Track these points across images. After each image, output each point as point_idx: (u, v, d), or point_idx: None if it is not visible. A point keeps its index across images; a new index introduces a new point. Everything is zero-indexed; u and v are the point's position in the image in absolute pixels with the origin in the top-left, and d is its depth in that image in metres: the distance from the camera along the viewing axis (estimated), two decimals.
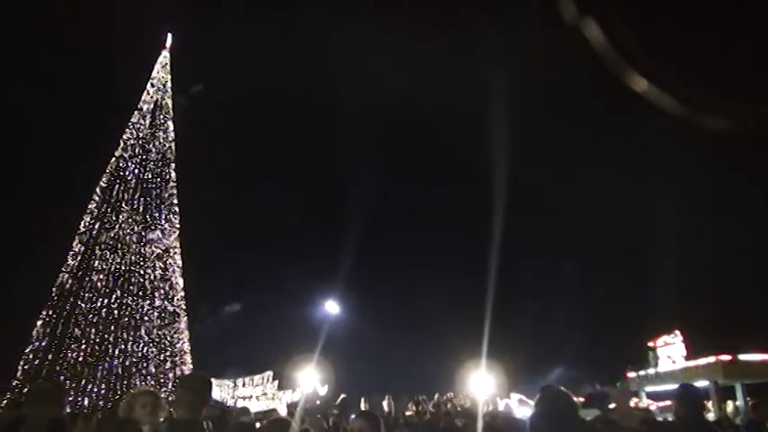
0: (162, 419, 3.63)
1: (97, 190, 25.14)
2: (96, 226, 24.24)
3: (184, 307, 25.29)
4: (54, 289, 23.07)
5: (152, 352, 22.86)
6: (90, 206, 24.98)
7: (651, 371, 30.26)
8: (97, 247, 23.80)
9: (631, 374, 32.09)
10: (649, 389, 30.18)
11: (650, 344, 30.60)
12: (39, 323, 22.37)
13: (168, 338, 23.67)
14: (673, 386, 29.00)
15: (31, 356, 21.49)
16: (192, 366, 25.23)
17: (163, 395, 22.08)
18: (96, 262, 23.41)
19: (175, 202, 26.85)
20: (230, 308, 40.82)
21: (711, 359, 25.07)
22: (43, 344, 21.77)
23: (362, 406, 16.16)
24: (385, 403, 14.11)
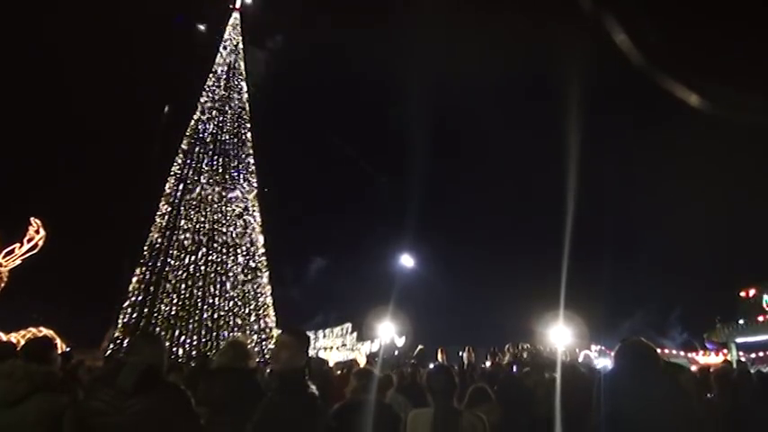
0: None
1: (179, 152, 26.21)
2: (180, 187, 25.34)
3: (265, 263, 26.22)
4: (146, 247, 24.50)
5: (237, 305, 23.93)
6: (173, 168, 26.12)
7: (742, 322, 28.66)
8: (182, 207, 24.93)
9: (720, 326, 30.55)
10: (740, 340, 28.62)
11: (742, 293, 28.89)
12: (134, 279, 23.88)
13: (252, 293, 24.67)
14: (766, 337, 27.38)
15: (129, 310, 23.05)
16: (274, 318, 26.32)
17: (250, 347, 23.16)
18: (182, 221, 24.54)
19: (252, 161, 27.57)
20: (310, 263, 41.97)
21: None
22: (139, 298, 23.25)
23: (439, 357, 16.24)
24: (465, 355, 14.07)
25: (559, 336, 17.85)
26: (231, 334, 23.28)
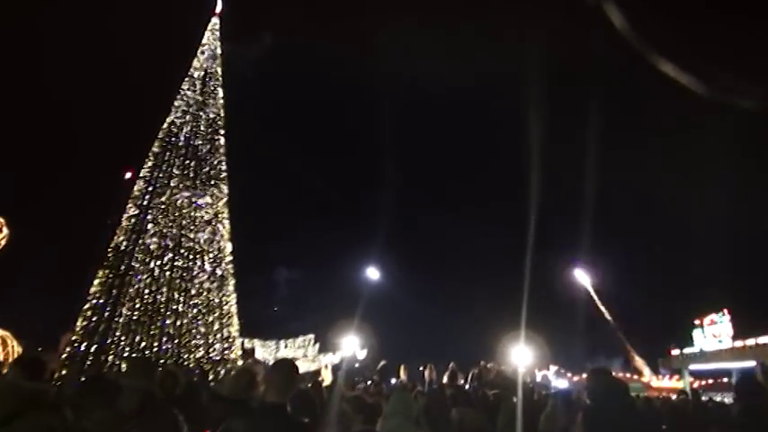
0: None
1: (150, 155, 25.91)
2: (149, 190, 25.02)
3: (232, 271, 26.02)
4: (110, 250, 24.09)
5: (202, 313, 23.67)
6: (143, 171, 25.82)
7: (696, 349, 29.63)
8: (150, 211, 24.61)
9: (675, 352, 31.51)
10: (693, 367, 29.60)
11: (696, 321, 29.91)
12: (96, 282, 23.43)
13: (217, 300, 24.43)
14: (717, 365, 28.43)
15: (89, 313, 22.59)
16: (238, 327, 26.08)
17: (212, 355, 22.70)
18: (149, 225, 24.22)
19: (224, 168, 27.42)
20: (276, 273, 41.68)
21: (761, 339, 24.43)
22: (100, 302, 22.80)
23: (402, 373, 16.37)
24: (426, 372, 14.22)
25: (520, 356, 18.15)
26: (194, 341, 23.02)
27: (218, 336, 24.01)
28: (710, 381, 27.07)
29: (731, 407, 9.24)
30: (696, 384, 25.21)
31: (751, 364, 24.84)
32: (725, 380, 27.60)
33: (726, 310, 28.49)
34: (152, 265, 23.45)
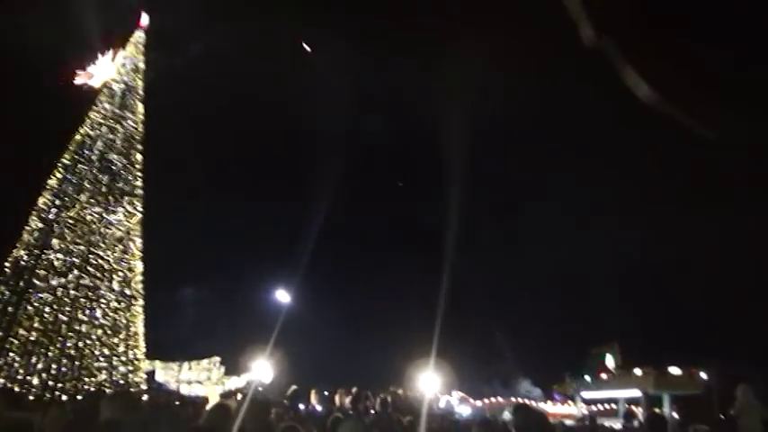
0: None
1: (59, 166, 24.78)
2: (56, 203, 23.91)
3: (141, 290, 25.25)
4: (8, 264, 22.71)
5: (107, 334, 22.78)
6: (50, 182, 24.61)
7: (587, 378, 31.92)
8: (56, 225, 23.50)
9: (569, 380, 33.74)
10: (584, 394, 31.94)
11: (592, 352, 32.35)
12: None
13: (124, 321, 23.61)
14: (606, 393, 30.87)
15: None
16: (144, 349, 25.24)
17: (115, 378, 21.85)
18: (54, 240, 23.12)
19: (139, 184, 26.71)
20: (185, 293, 40.55)
21: (645, 369, 26.78)
22: None
23: (312, 397, 16.69)
24: (337, 397, 14.65)
25: (428, 382, 18.94)
26: (96, 364, 22.07)
27: (123, 358, 23.15)
28: (600, 407, 29.35)
29: None
30: (586, 410, 27.20)
31: (636, 393, 27.35)
32: (613, 406, 30.06)
33: (615, 343, 31.05)
34: (55, 282, 22.33)
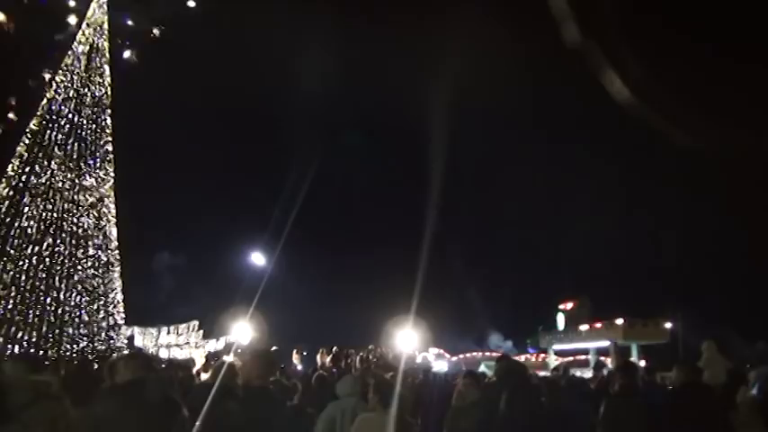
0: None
1: (27, 132, 24.18)
2: (26, 170, 23.44)
3: (118, 257, 25.17)
4: None
5: (85, 301, 22.79)
6: (18, 149, 24.05)
7: (559, 330, 33.15)
8: (27, 192, 23.11)
9: (542, 333, 35.01)
10: (557, 347, 33.27)
11: (560, 306, 33.53)
12: None
13: (102, 287, 23.61)
14: (577, 345, 32.18)
15: None
16: (124, 315, 25.35)
17: (96, 345, 21.98)
18: (26, 208, 22.78)
19: (110, 149, 26.26)
20: (161, 258, 40.44)
21: (613, 321, 27.98)
22: None
23: (294, 357, 17.10)
24: (318, 356, 15.05)
25: (406, 339, 19.47)
26: (77, 331, 22.15)
27: (104, 324, 23.27)
28: (571, 358, 30.67)
29: (589, 380, 11.29)
30: (558, 361, 28.40)
31: (605, 343, 28.59)
32: (582, 357, 31.45)
33: (586, 296, 32.21)
34: (29, 250, 22.13)
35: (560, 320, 32.64)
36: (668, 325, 27.49)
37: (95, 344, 22.30)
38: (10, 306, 20.98)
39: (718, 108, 1.75)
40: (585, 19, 1.72)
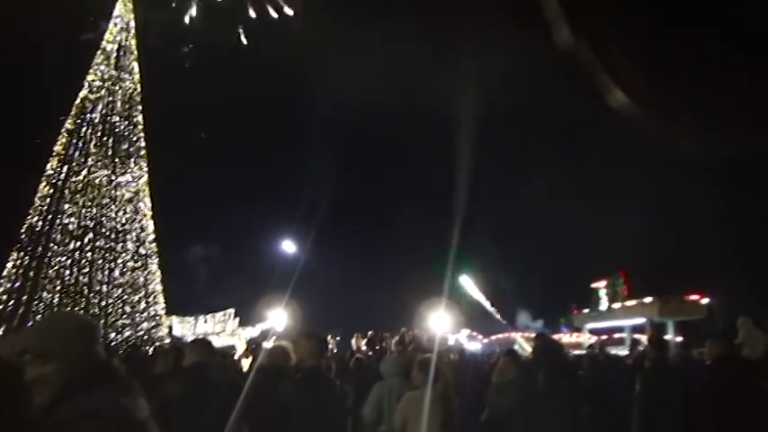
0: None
1: (63, 132, 24.93)
2: (64, 168, 24.21)
3: (156, 249, 25.88)
4: (23, 230, 23.24)
5: (126, 293, 23.56)
6: (56, 148, 24.82)
7: (594, 308, 32.88)
8: (66, 190, 23.89)
9: (576, 312, 34.77)
10: (591, 325, 33.05)
11: (593, 285, 33.22)
12: (9, 265, 22.64)
13: (142, 279, 24.36)
14: (612, 323, 31.83)
15: (4, 297, 21.87)
16: (164, 305, 26.12)
17: (139, 334, 22.73)
18: (66, 205, 23.56)
19: (143, 144, 26.88)
20: (197, 249, 41.32)
21: (647, 299, 27.61)
22: (16, 285, 22.13)
23: (330, 342, 17.38)
24: (354, 340, 15.31)
25: (439, 321, 19.67)
26: (120, 321, 22.95)
27: (145, 315, 24.03)
28: (605, 337, 30.43)
29: (626, 357, 11.37)
30: (594, 339, 28.24)
31: (641, 320, 28.30)
32: (617, 335, 31.16)
33: (621, 273, 31.82)
34: (72, 246, 22.94)
35: (602, 298, 32.27)
36: (705, 301, 27.03)
37: (138, 333, 23.08)
38: (56, 300, 21.81)
39: (716, 110, 1.73)
40: (579, 19, 1.70)
